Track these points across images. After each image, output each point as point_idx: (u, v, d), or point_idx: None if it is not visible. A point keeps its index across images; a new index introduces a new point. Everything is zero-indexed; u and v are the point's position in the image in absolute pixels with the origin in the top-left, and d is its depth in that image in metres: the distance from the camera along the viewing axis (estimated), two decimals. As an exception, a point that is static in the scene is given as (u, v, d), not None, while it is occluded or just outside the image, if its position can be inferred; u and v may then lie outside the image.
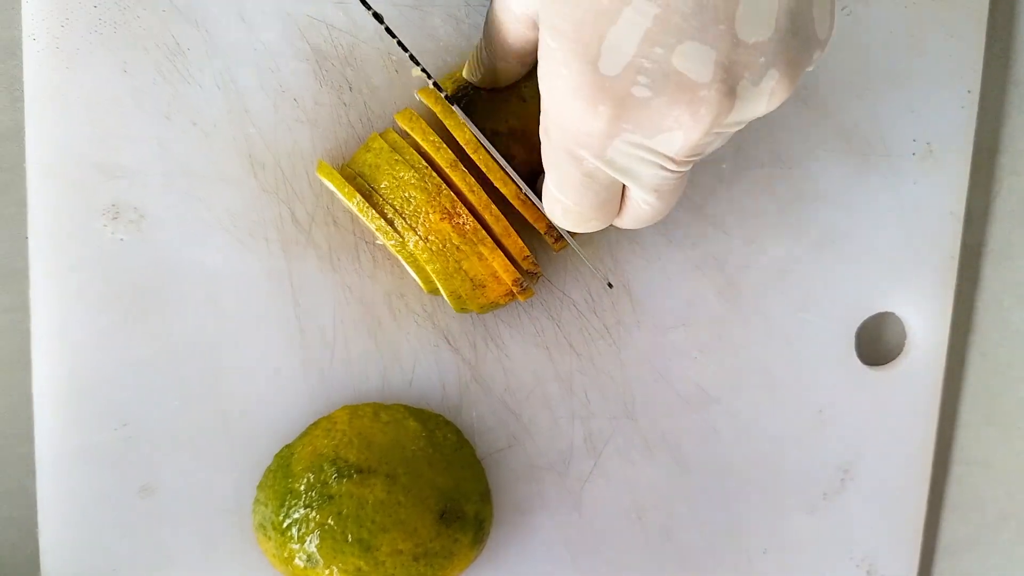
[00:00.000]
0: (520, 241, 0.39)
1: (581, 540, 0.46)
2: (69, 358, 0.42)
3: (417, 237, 0.38)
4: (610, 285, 0.40)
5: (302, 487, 0.41)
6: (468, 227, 0.38)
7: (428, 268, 0.39)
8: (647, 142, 0.31)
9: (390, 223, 0.38)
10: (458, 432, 0.44)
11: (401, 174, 0.38)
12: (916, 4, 0.44)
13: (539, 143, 0.35)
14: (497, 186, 0.38)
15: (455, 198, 0.38)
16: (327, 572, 0.40)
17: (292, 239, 0.42)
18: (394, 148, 0.39)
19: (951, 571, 0.50)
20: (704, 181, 0.45)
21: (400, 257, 0.39)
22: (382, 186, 0.39)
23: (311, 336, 0.43)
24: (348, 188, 0.39)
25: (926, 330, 0.47)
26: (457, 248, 0.38)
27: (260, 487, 0.43)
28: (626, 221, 0.37)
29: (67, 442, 0.42)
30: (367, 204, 0.38)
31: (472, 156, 0.38)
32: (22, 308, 0.43)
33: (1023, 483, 0.49)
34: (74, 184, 0.41)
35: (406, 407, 0.43)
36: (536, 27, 0.34)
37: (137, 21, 0.40)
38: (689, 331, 0.45)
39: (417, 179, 0.38)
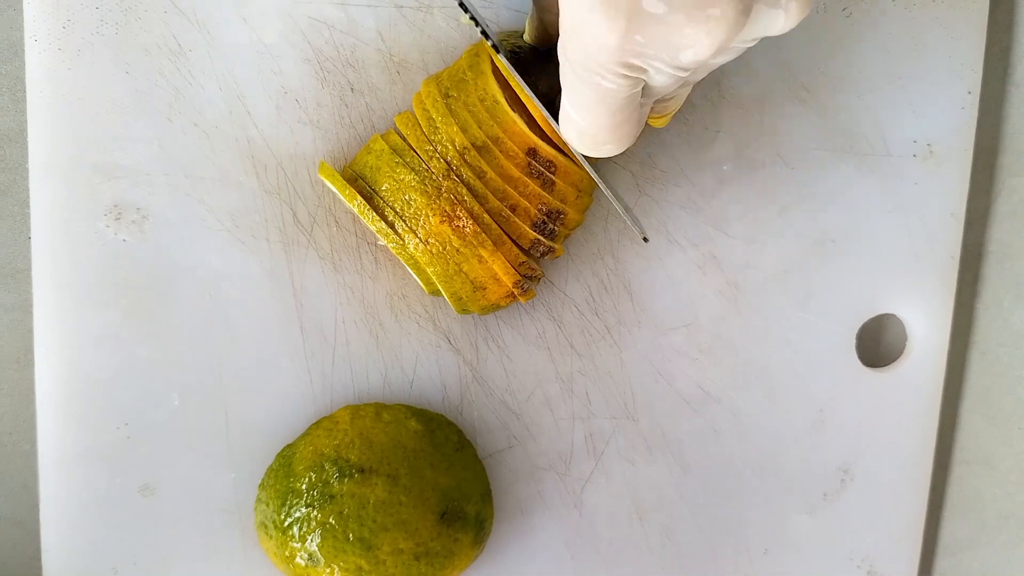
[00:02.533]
0: (516, 248, 0.39)
1: (581, 540, 0.46)
2: (71, 358, 0.42)
3: (417, 240, 0.38)
4: (645, 239, 0.39)
5: (304, 486, 0.41)
6: (468, 230, 0.38)
7: (429, 270, 0.39)
8: (661, 55, 0.31)
9: (391, 226, 0.39)
10: (459, 432, 0.44)
11: (401, 176, 0.38)
12: (916, 5, 0.44)
13: None
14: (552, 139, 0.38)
15: (455, 201, 0.38)
16: (328, 571, 0.40)
17: (294, 240, 0.42)
18: (395, 150, 0.39)
19: (951, 571, 0.50)
20: (705, 182, 0.45)
21: (401, 259, 0.39)
22: (383, 188, 0.39)
23: (313, 336, 0.43)
24: (349, 190, 0.39)
25: (927, 331, 0.47)
26: (457, 251, 0.38)
27: (262, 486, 0.43)
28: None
29: (69, 441, 0.42)
30: (368, 206, 0.39)
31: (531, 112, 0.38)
32: (25, 307, 0.44)
33: (1023, 483, 0.49)
34: (76, 185, 0.41)
35: (408, 407, 0.43)
36: None
37: (139, 22, 0.40)
38: (690, 331, 0.46)
39: (417, 182, 0.38)
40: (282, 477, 0.41)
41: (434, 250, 0.38)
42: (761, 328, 0.46)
